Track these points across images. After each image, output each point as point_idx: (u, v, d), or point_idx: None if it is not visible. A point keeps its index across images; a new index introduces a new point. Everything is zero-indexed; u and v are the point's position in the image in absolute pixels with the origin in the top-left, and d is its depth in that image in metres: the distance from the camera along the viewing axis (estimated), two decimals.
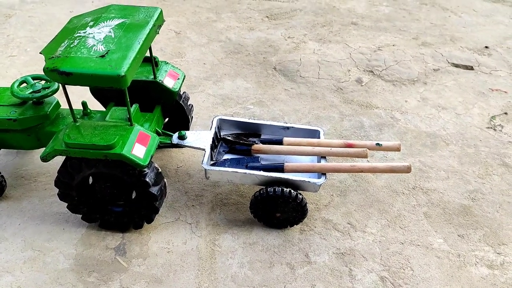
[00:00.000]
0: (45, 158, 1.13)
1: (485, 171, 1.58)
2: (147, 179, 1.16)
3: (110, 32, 1.11)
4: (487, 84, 2.04)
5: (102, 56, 1.01)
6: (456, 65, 2.16)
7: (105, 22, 1.16)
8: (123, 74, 0.98)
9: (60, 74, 0.99)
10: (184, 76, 1.46)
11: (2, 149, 1.48)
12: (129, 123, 1.15)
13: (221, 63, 2.13)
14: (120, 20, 1.16)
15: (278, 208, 1.27)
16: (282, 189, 1.23)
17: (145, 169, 1.15)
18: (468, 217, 1.39)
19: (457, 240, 1.32)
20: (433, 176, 1.55)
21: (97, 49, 1.04)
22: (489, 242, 1.32)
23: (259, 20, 2.52)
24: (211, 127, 1.40)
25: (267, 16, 2.57)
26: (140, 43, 1.08)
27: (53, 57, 1.03)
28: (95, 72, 0.98)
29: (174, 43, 2.28)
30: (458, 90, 1.99)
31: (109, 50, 1.03)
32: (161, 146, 1.53)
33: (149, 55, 1.32)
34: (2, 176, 1.37)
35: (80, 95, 1.49)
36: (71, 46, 1.06)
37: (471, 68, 2.14)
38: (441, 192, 1.48)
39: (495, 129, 1.77)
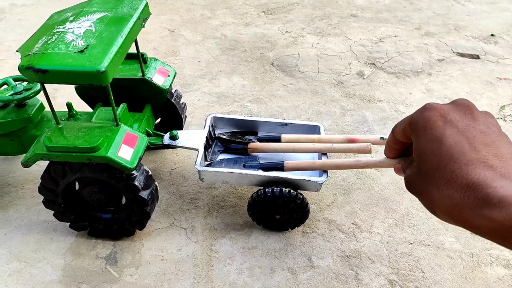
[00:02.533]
0: (26, 164, 1.06)
1: None
2: (136, 183, 1.08)
3: (91, 26, 1.03)
4: (495, 73, 1.95)
5: (81, 52, 0.94)
6: (462, 55, 2.07)
7: (86, 16, 1.08)
8: (103, 69, 0.90)
9: (35, 72, 0.91)
10: (175, 73, 1.38)
11: None
12: (115, 123, 1.08)
13: (216, 60, 2.06)
14: (102, 14, 1.08)
15: (277, 209, 1.19)
16: (281, 189, 1.15)
17: (134, 172, 1.08)
18: None
19: (470, 238, 1.24)
20: None
21: (76, 44, 0.96)
22: None
23: (255, 16, 2.44)
24: (204, 126, 1.32)
25: (264, 11, 2.49)
26: (123, 37, 1.01)
27: (29, 54, 0.95)
28: (73, 68, 0.90)
29: (168, 41, 2.20)
30: (464, 80, 1.90)
31: (88, 45, 0.96)
32: (152, 148, 1.46)
33: (136, 51, 1.25)
34: None
35: (71, 98, 1.42)
36: (48, 42, 0.98)
37: (477, 57, 2.05)
38: None
39: (505, 120, 1.69)
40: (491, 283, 1.13)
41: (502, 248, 1.21)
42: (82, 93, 1.30)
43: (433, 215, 1.32)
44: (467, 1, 2.57)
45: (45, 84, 1.01)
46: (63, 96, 1.77)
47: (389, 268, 1.16)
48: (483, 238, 1.22)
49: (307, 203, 1.19)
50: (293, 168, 1.20)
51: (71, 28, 1.03)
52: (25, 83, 1.26)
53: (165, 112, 1.41)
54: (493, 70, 1.97)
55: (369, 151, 1.19)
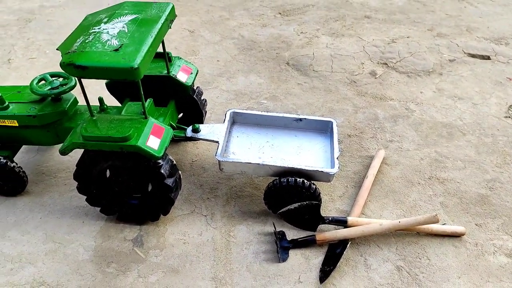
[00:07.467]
0: (63, 152, 1.16)
1: (503, 160, 1.55)
2: (162, 171, 1.18)
3: (123, 27, 1.14)
4: (505, 73, 2.00)
5: (116, 50, 1.04)
6: (473, 55, 2.12)
7: (118, 18, 1.18)
8: (136, 66, 1.00)
9: (76, 68, 1.02)
10: (197, 71, 1.48)
11: (23, 147, 1.53)
12: (144, 116, 1.18)
13: (234, 59, 2.15)
14: (133, 16, 1.19)
15: (291, 198, 1.27)
16: (295, 179, 1.24)
17: (160, 161, 1.17)
18: (486, 206, 1.37)
19: (474, 229, 1.30)
20: (450, 166, 1.53)
21: (111, 44, 1.07)
22: (508, 231, 1.29)
23: (271, 17, 2.53)
24: (224, 120, 1.42)
25: (280, 13, 2.58)
26: (153, 37, 1.11)
27: (69, 52, 1.06)
28: (110, 65, 1.01)
29: (188, 41, 2.31)
30: (474, 80, 1.96)
31: (122, 44, 1.06)
32: (175, 140, 1.56)
33: (162, 50, 1.35)
34: (24, 172, 1.41)
35: (97, 95, 1.52)
36: (86, 41, 1.09)
37: (488, 58, 2.10)
38: (458, 182, 1.46)
39: None
40: (494, 270, 1.19)
41: (505, 238, 1.27)
42: (113, 89, 1.40)
43: (439, 207, 1.36)
44: (480, 3, 2.61)
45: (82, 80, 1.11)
46: (90, 92, 1.88)
47: (397, 255, 1.24)
48: (487, 229, 1.29)
49: (319, 193, 1.27)
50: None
51: (106, 29, 1.14)
52: (61, 79, 1.37)
53: (187, 108, 1.51)
54: (503, 71, 2.02)
55: (436, 221, 1.21)
